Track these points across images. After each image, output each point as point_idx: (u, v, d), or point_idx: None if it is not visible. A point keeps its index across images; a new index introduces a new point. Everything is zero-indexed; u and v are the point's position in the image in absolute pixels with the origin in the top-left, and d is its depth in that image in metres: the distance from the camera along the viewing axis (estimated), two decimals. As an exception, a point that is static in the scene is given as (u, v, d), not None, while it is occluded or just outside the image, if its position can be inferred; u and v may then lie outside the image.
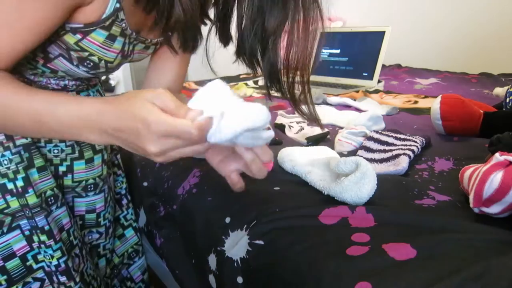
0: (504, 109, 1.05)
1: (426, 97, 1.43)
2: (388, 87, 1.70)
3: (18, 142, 0.60)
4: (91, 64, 0.56)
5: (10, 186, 0.58)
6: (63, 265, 0.63)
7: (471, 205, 0.53)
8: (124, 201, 0.87)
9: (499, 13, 1.90)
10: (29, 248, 0.62)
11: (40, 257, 0.63)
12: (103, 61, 0.56)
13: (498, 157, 0.52)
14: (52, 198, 0.64)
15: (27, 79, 0.58)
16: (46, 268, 0.63)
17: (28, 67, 0.56)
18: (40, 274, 0.63)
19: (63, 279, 0.63)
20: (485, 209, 0.52)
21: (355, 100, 1.35)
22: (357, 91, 1.53)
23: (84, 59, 0.54)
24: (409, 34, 2.24)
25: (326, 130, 0.99)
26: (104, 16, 0.50)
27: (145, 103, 0.40)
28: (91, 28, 0.51)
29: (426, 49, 2.23)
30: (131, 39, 0.59)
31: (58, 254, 0.63)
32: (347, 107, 1.31)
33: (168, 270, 0.85)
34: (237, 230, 0.59)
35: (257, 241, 0.55)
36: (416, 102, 1.36)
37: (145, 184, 0.88)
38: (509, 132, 0.68)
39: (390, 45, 1.64)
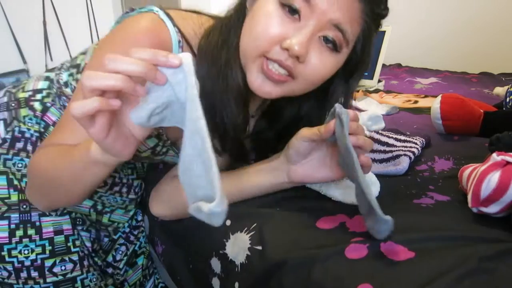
0: (504, 108, 1.05)
1: (426, 96, 1.43)
2: (388, 86, 1.70)
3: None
4: None
5: (15, 182, 0.64)
6: (39, 261, 0.65)
7: (469, 205, 0.53)
8: (131, 238, 0.85)
9: (499, 13, 1.90)
10: (7, 241, 0.64)
11: (14, 252, 0.64)
12: None
13: (495, 157, 0.52)
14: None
15: None
16: (18, 260, 0.65)
17: None
18: (9, 266, 0.64)
19: (34, 274, 0.65)
20: (484, 209, 0.52)
21: (355, 99, 1.35)
22: (357, 91, 1.52)
23: None
24: (409, 34, 2.24)
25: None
26: None
27: None
28: None
29: (426, 48, 2.23)
30: (166, 144, 0.64)
31: (38, 250, 0.65)
32: (347, 107, 1.30)
33: (169, 277, 0.83)
34: (237, 232, 0.59)
35: (256, 246, 0.55)
36: (416, 101, 1.36)
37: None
38: (509, 131, 0.68)
39: (390, 45, 1.64)
